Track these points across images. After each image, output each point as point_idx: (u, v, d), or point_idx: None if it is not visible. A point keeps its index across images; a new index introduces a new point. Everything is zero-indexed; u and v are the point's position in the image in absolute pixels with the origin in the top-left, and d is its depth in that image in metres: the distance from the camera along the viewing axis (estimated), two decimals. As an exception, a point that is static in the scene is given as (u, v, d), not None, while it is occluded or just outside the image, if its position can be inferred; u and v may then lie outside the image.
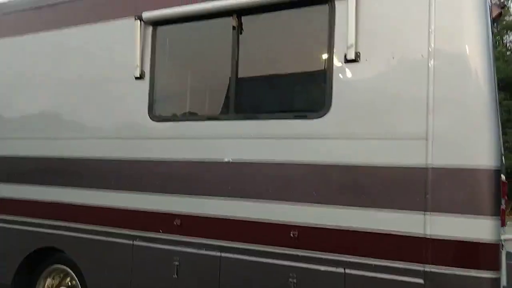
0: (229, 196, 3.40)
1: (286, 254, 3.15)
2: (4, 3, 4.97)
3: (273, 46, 3.46)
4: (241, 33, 3.47)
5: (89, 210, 4.00)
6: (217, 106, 3.63)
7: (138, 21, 3.82)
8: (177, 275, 3.54)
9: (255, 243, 3.27)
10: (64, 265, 4.26)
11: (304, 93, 3.35)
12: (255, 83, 3.53)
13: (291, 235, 3.13)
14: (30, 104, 4.43)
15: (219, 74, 3.61)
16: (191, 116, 3.69)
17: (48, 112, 4.32)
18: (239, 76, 3.45)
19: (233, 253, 3.35)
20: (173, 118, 3.77)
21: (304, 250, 3.07)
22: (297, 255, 3.11)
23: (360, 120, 2.96)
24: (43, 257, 4.35)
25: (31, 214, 4.29)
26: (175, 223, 3.58)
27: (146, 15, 3.77)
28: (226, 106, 3.49)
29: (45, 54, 4.42)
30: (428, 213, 2.76)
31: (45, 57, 4.41)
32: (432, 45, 2.79)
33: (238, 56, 3.45)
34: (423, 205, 2.76)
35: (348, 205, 3.01)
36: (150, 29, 3.83)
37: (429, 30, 2.80)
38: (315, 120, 3.09)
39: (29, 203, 4.32)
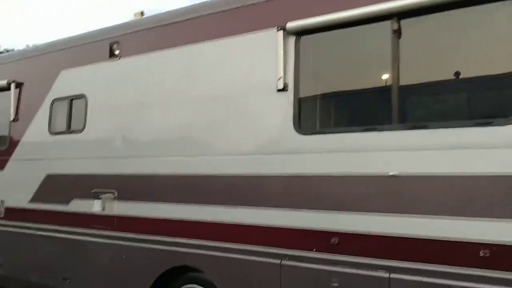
0: (395, 212, 3.15)
1: (475, 275, 2.83)
2: (131, 22, 5.07)
3: (442, 49, 3.21)
4: (400, 37, 3.26)
5: (229, 228, 3.87)
6: (376, 116, 3.41)
7: (281, 31, 3.70)
8: (337, 297, 3.30)
9: (432, 263, 2.99)
10: (198, 284, 4.14)
11: (486, 98, 3.06)
12: (421, 90, 3.29)
13: (481, 254, 2.82)
14: (164, 122, 4.40)
15: (376, 82, 3.41)
16: (345, 128, 3.49)
17: (182, 130, 4.28)
18: (401, 83, 3.23)
19: (404, 273, 3.07)
20: (324, 130, 3.58)
21: (503, 272, 2.75)
22: (490, 277, 2.79)
23: None
24: (175, 276, 4.26)
25: (165, 233, 4.22)
26: (332, 241, 3.36)
27: (291, 25, 3.65)
28: (387, 116, 3.26)
29: (175, 72, 4.41)
30: None
31: (176, 75, 4.40)
32: None
33: (399, 62, 3.24)
34: None
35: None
36: (293, 39, 3.70)
37: None
38: (504, 127, 2.80)
39: (164, 221, 4.26)
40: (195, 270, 4.10)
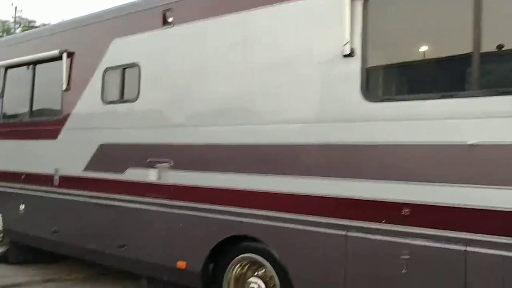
0: (473, 183, 2.99)
1: None
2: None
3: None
4: (484, -3, 3.03)
5: (291, 198, 3.80)
6: (454, 82, 3.23)
7: (349, -6, 3.52)
8: (406, 270, 3.20)
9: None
10: (256, 254, 4.11)
11: None
12: (505, 53, 3.07)
13: None
14: (221, 90, 4.32)
15: (454, 45, 3.20)
16: (419, 94, 3.31)
17: (241, 99, 4.19)
18: (482, 48, 3.02)
19: (483, 247, 2.94)
20: (396, 97, 3.42)
21: None
22: None
23: None
24: (232, 246, 4.24)
25: (225, 202, 4.19)
26: (403, 212, 3.25)
27: (360, -14, 3.47)
28: (467, 82, 3.07)
29: (233, 39, 4.30)
30: None
31: (233, 42, 4.29)
32: None
33: (481, 23, 3.02)
34: None
35: None
36: (361, 1, 3.52)
37: None
38: None
39: (222, 191, 4.23)
40: (252, 239, 4.08)
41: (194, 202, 4.42)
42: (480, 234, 2.95)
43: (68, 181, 5.71)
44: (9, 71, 6.88)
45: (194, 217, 4.40)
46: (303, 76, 3.81)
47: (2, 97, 6.93)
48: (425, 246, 3.14)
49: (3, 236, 6.81)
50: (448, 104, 3.11)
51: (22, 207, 6.29)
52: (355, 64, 3.51)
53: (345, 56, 3.55)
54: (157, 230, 4.68)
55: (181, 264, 4.47)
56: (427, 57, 3.41)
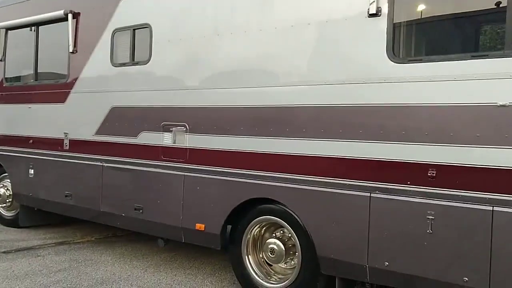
0: (504, 145, 2.99)
1: None
2: None
3: None
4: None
5: (312, 160, 3.80)
6: (485, 42, 3.18)
7: (375, -50, 3.40)
8: (431, 230, 3.25)
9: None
10: (275, 216, 4.14)
11: None
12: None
13: None
14: (238, 51, 4.23)
15: (486, 5, 3.13)
16: (448, 55, 3.25)
17: (259, 60, 4.11)
18: (518, 4, 2.95)
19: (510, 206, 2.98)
20: (424, 58, 3.36)
21: None
22: None
23: None
24: (252, 208, 4.27)
25: (243, 165, 4.18)
26: (429, 174, 3.26)
27: None
28: (499, 42, 3.02)
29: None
30: None
31: (248, 1, 4.17)
32: None
33: (516, -21, 2.94)
34: None
35: None
36: (387, -42, 3.41)
37: None
38: None
39: (243, 154, 4.21)
40: (271, 202, 4.10)
41: (212, 165, 4.41)
42: (509, 195, 2.98)
43: (79, 145, 5.66)
44: (10, 32, 6.68)
45: (214, 180, 4.39)
46: (327, 36, 3.73)
47: (4, 60, 6.76)
48: (451, 206, 3.17)
49: (12, 200, 6.82)
50: (479, 65, 3.06)
51: (31, 171, 6.26)
52: (381, 24, 3.43)
53: (371, 15, 3.47)
54: (175, 193, 4.68)
55: (200, 226, 4.50)
56: (457, 16, 3.33)
